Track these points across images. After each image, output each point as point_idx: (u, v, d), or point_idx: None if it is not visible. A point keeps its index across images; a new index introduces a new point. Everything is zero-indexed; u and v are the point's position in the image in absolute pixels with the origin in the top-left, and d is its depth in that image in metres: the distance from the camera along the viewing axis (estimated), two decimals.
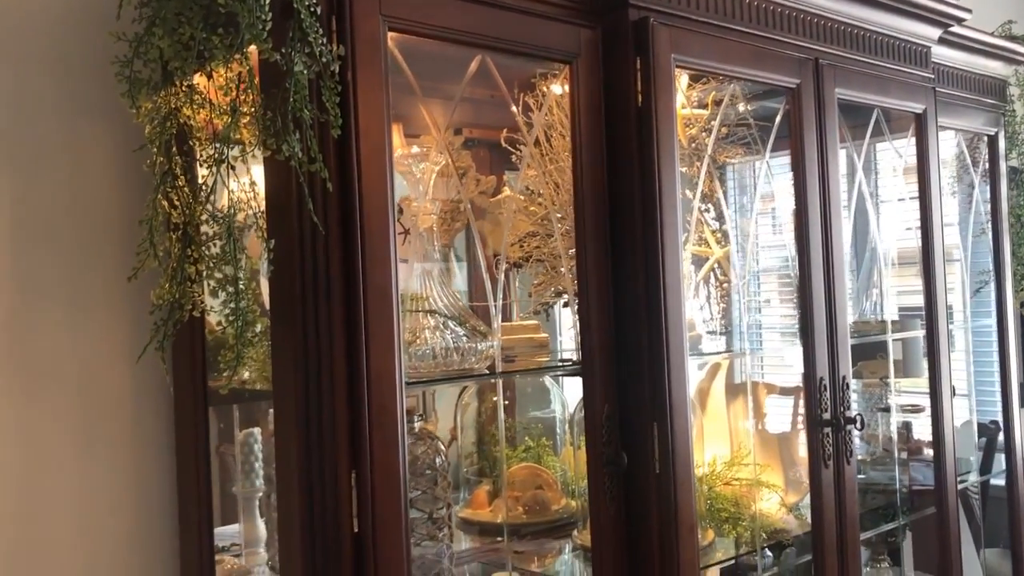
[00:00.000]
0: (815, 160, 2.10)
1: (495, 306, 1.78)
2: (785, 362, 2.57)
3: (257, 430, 1.86)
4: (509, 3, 1.62)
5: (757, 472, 2.31)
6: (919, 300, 2.54)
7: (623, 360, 1.76)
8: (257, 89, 1.28)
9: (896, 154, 2.55)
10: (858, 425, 2.12)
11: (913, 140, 2.47)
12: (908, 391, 2.72)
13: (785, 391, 2.52)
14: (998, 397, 2.89)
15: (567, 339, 2.38)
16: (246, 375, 1.76)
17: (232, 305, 1.26)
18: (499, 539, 2.10)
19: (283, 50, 1.27)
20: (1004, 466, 2.91)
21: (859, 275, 2.66)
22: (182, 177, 1.40)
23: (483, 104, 1.90)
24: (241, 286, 1.27)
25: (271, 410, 1.78)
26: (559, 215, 2.17)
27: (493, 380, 2.01)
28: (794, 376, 2.44)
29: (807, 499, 2.35)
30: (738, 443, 2.36)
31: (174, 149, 1.41)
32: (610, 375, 1.75)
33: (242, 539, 1.85)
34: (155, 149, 1.39)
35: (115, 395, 1.73)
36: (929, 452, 2.59)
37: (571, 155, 1.75)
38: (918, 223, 2.49)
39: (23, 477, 1.64)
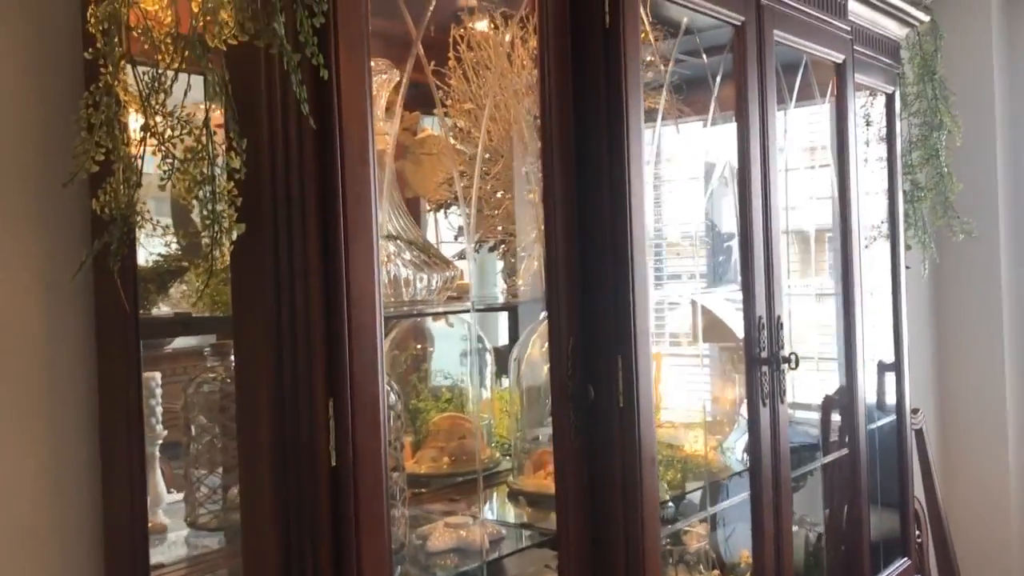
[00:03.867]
0: (757, 104, 2.11)
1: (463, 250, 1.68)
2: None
3: (157, 374, 1.66)
4: None
5: (686, 417, 2.32)
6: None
7: (588, 292, 1.70)
8: None
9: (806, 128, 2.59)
10: (792, 364, 2.15)
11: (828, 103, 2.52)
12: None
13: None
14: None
15: (488, 285, 2.30)
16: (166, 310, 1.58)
17: (209, 207, 1.11)
18: (423, 491, 2.02)
19: None
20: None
21: None
22: (132, 66, 1.22)
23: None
24: (218, 187, 1.12)
25: (206, 349, 1.62)
26: (487, 156, 2.09)
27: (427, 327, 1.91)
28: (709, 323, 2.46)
29: (728, 440, 2.39)
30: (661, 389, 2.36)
31: (120, 35, 1.23)
32: (574, 308, 1.68)
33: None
34: (100, 32, 1.21)
35: (30, 327, 1.51)
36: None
37: (539, 82, 1.67)
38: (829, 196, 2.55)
39: None
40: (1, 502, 1.47)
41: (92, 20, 1.22)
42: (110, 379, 1.53)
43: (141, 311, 1.55)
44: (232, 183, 1.16)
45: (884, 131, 2.96)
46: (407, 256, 1.67)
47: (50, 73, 1.50)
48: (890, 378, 2.97)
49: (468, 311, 1.67)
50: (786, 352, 2.14)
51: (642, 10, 1.76)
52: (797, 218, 2.55)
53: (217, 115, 1.18)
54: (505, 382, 2.22)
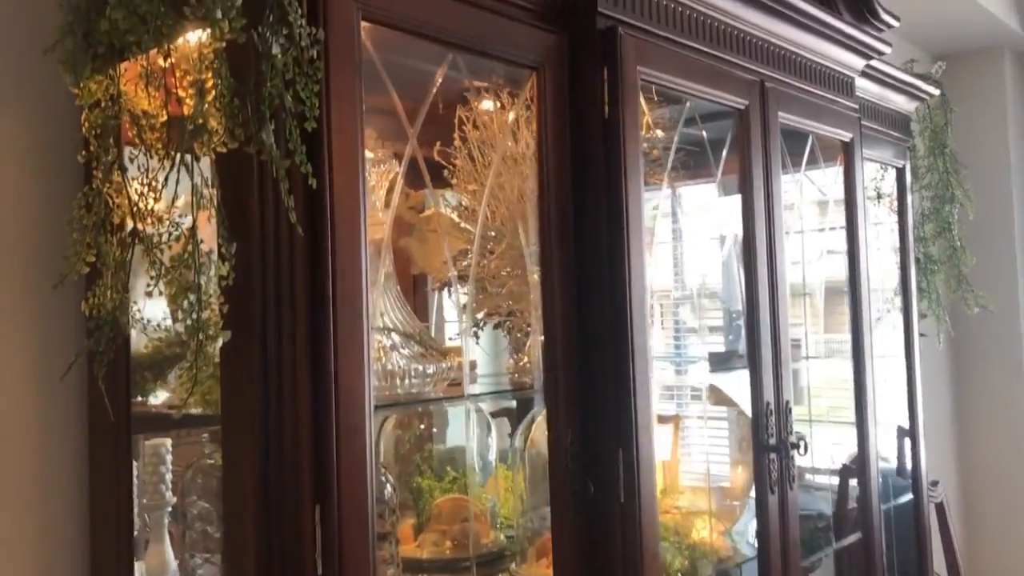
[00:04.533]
0: (761, 183, 2.09)
1: (463, 329, 1.66)
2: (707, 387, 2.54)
3: (168, 440, 1.66)
4: (482, 2, 1.53)
5: (694, 500, 2.27)
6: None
7: (587, 383, 1.67)
8: (227, 72, 1.13)
9: (814, 187, 2.57)
10: (801, 450, 2.10)
11: (836, 169, 2.50)
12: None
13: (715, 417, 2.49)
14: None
15: (495, 363, 2.28)
16: (165, 397, 1.58)
17: (193, 315, 1.10)
18: None
19: (259, 29, 1.13)
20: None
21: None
22: (121, 172, 1.22)
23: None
24: (203, 295, 1.11)
25: (204, 436, 1.61)
26: (492, 233, 2.08)
27: (435, 409, 1.89)
28: (719, 403, 2.42)
29: (739, 524, 2.33)
30: (671, 472, 2.31)
31: (113, 138, 1.24)
32: (574, 400, 1.66)
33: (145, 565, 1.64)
34: (94, 136, 1.22)
35: (21, 423, 1.50)
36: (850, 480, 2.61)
37: (537, 168, 1.67)
38: (841, 251, 2.52)
39: None
40: None
41: (86, 124, 1.23)
42: (101, 471, 1.52)
43: (140, 397, 1.54)
44: (220, 289, 1.15)
45: (896, 204, 2.94)
46: (403, 349, 1.65)
47: (50, 174, 1.51)
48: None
49: (462, 397, 1.64)
50: (793, 438, 2.10)
51: (642, 99, 1.76)
52: (815, 273, 2.54)
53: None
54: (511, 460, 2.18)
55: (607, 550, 1.65)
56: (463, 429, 2.37)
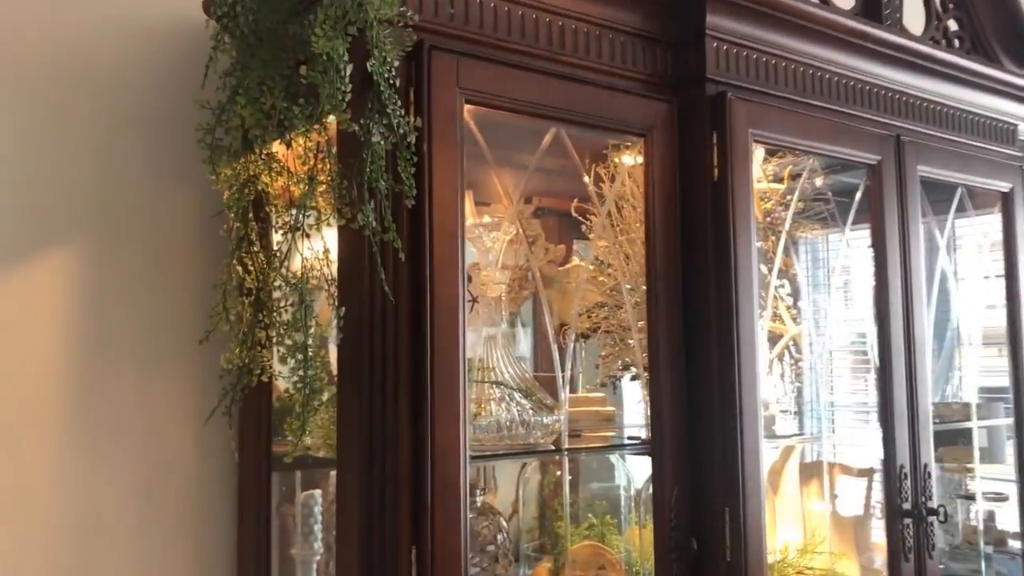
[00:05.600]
0: (896, 238, 2.04)
1: (562, 377, 1.74)
2: (857, 442, 2.48)
3: (318, 492, 1.84)
4: (586, 77, 1.62)
5: (832, 561, 2.20)
6: (1000, 381, 2.44)
7: (694, 439, 1.70)
8: (334, 159, 1.29)
9: (979, 231, 2.47)
10: (941, 517, 2.01)
11: (998, 216, 2.39)
12: (990, 478, 2.59)
13: (861, 472, 2.42)
14: None
15: (633, 413, 2.33)
16: (309, 441, 1.75)
17: (300, 373, 1.25)
18: None
19: (361, 121, 1.28)
20: None
21: (940, 356, 2.56)
22: (257, 243, 1.40)
23: (553, 173, 1.89)
24: (310, 354, 1.26)
25: (333, 474, 1.77)
26: (628, 286, 2.15)
27: (571, 456, 1.95)
28: (866, 457, 2.35)
29: None
30: (811, 528, 2.26)
31: (250, 215, 1.42)
32: (681, 455, 1.69)
33: None
34: (232, 215, 1.41)
35: (179, 456, 1.74)
36: (1015, 543, 2.46)
37: (644, 228, 1.73)
38: (1003, 301, 2.39)
39: (83, 532, 1.65)
40: None
41: (226, 205, 1.42)
42: (245, 509, 1.72)
43: (280, 437, 1.73)
44: (324, 350, 1.30)
45: None
46: (521, 401, 1.74)
47: (206, 243, 1.75)
48: None
49: (562, 451, 1.71)
50: (933, 503, 2.01)
51: (753, 160, 1.78)
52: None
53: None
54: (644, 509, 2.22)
55: None
56: (602, 477, 2.43)
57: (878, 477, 2.33)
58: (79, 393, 1.65)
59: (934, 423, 2.12)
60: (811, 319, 2.30)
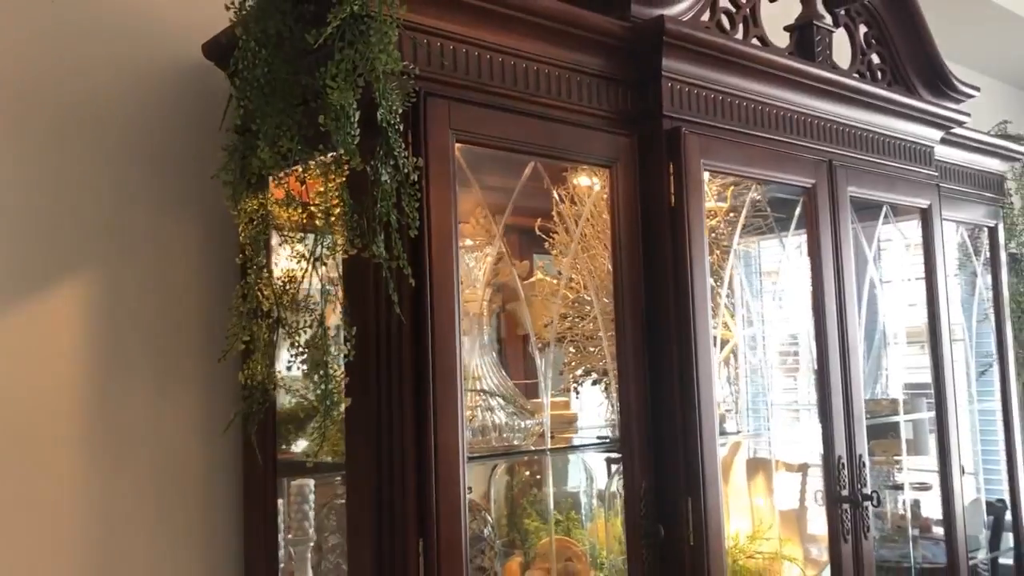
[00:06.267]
0: (830, 251, 2.27)
1: (544, 383, 1.93)
2: (791, 438, 2.70)
3: (311, 481, 1.97)
4: (557, 116, 1.81)
5: (780, 546, 2.42)
6: (923, 377, 2.67)
7: (659, 437, 1.90)
8: (347, 195, 1.45)
9: (902, 235, 2.71)
10: (874, 502, 2.25)
11: (918, 222, 2.64)
12: (916, 469, 2.84)
13: (799, 467, 2.65)
14: (1004, 476, 3.02)
15: (593, 416, 2.52)
16: (304, 445, 1.90)
17: (323, 387, 1.42)
18: None
19: (371, 163, 1.44)
20: (1012, 544, 3.01)
21: (870, 356, 2.80)
22: (273, 271, 1.56)
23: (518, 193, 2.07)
24: (330, 371, 1.42)
25: (337, 479, 1.93)
26: (588, 298, 2.34)
27: (539, 456, 2.13)
28: (802, 452, 2.58)
29: (825, 573, 2.47)
30: (759, 518, 2.48)
31: (262, 245, 1.58)
32: (647, 452, 1.89)
33: None
34: (248, 245, 1.56)
35: (190, 469, 1.88)
36: (938, 530, 2.70)
37: (611, 250, 1.93)
38: (923, 300, 2.64)
39: (102, 543, 1.77)
40: None
41: (242, 235, 1.58)
42: (253, 508, 1.87)
43: (284, 446, 1.88)
44: (341, 366, 1.47)
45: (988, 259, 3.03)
46: (504, 407, 1.92)
47: (214, 270, 1.90)
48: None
49: (544, 451, 1.90)
50: (868, 490, 2.24)
51: (706, 186, 1.99)
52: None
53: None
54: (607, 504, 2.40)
55: None
56: (566, 476, 2.62)
57: (813, 472, 2.57)
58: (96, 410, 1.77)
59: (866, 418, 2.36)
60: (750, 324, 2.52)
